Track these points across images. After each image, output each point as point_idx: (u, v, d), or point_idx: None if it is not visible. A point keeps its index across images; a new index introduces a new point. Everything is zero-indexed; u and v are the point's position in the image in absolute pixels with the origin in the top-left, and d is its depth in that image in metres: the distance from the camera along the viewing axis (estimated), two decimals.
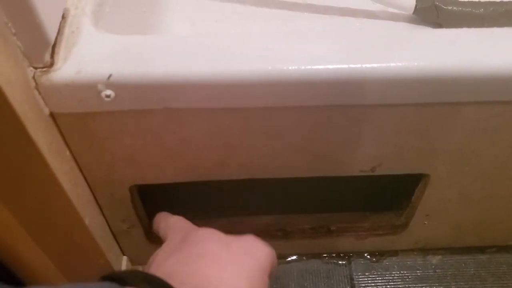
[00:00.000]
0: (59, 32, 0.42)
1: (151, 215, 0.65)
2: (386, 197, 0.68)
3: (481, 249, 0.72)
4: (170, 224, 0.40)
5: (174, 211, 0.68)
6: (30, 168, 0.38)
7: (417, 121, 0.48)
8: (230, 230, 0.68)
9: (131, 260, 0.70)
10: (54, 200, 0.42)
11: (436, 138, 0.50)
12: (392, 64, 0.42)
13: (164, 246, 0.37)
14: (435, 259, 0.72)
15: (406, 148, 0.51)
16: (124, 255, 0.68)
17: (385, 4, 0.62)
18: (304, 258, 0.71)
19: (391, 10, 0.63)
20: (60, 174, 0.42)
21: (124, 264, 0.68)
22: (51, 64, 0.40)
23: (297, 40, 0.44)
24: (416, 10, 0.61)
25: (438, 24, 0.62)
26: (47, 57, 0.40)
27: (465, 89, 0.44)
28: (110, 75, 0.40)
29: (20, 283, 0.44)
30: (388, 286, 0.69)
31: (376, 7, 0.62)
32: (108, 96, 0.41)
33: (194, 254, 0.34)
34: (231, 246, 0.34)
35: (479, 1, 0.61)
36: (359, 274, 0.70)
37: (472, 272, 0.70)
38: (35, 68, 0.40)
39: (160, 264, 0.34)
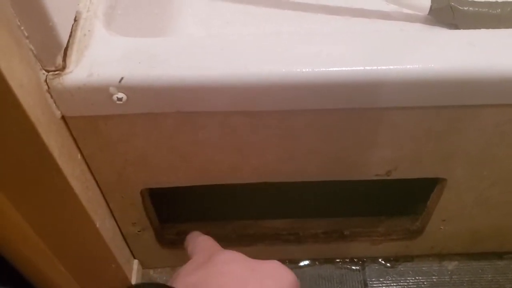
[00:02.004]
0: (71, 35, 0.42)
1: (162, 219, 0.65)
2: (401, 201, 0.67)
3: (499, 255, 0.70)
4: (197, 242, 0.40)
5: (186, 214, 0.68)
6: (41, 171, 0.38)
7: (434, 124, 0.47)
8: (242, 233, 0.68)
9: (142, 264, 0.70)
10: (65, 203, 0.42)
11: (454, 141, 0.49)
12: (408, 66, 0.41)
13: (188, 263, 0.37)
14: (451, 265, 0.70)
15: (423, 151, 0.50)
16: (135, 258, 0.68)
17: (400, 5, 0.61)
18: (317, 263, 0.70)
19: (405, 11, 0.62)
20: (71, 178, 0.42)
21: (135, 267, 0.67)
22: (63, 67, 0.40)
23: (311, 42, 0.43)
24: (431, 11, 0.60)
25: (453, 25, 0.61)
26: (59, 60, 0.40)
27: (484, 91, 0.43)
28: (121, 78, 0.40)
29: (30, 285, 0.44)
30: None
31: (390, 8, 0.62)
32: (120, 99, 0.41)
33: (218, 272, 0.33)
34: (256, 270, 0.34)
35: (496, 2, 0.60)
36: (373, 279, 0.69)
37: (489, 278, 0.69)
38: (47, 71, 0.40)
39: (182, 278, 0.34)
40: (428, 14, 0.61)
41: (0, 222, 0.36)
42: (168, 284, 0.34)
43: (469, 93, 0.43)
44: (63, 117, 0.42)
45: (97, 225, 0.48)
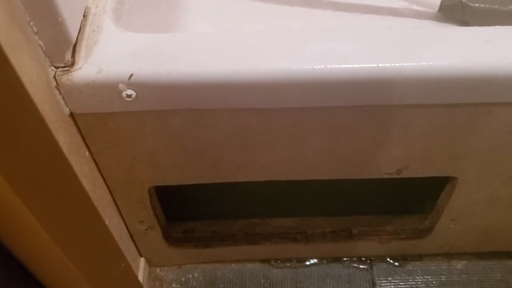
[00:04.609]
0: (80, 30, 0.41)
1: (169, 217, 0.65)
2: (410, 200, 0.67)
3: (509, 254, 0.70)
4: None
5: (193, 213, 0.68)
6: (50, 169, 0.38)
7: (446, 122, 0.46)
8: (250, 232, 0.68)
9: (149, 262, 0.69)
10: (74, 201, 0.42)
11: (466, 140, 0.48)
12: (422, 63, 0.40)
13: None
14: (460, 264, 0.70)
15: (434, 150, 0.50)
16: (141, 256, 0.68)
17: (410, 1, 0.60)
18: (324, 262, 0.70)
19: (415, 7, 0.61)
20: (80, 175, 0.41)
21: (141, 266, 0.67)
22: (72, 64, 0.40)
23: (323, 39, 0.43)
24: (442, 7, 0.60)
25: (464, 22, 0.60)
26: (68, 56, 0.39)
27: (498, 89, 0.42)
28: (131, 75, 0.40)
29: (40, 285, 0.44)
30: None
31: (400, 4, 0.61)
32: (129, 96, 0.41)
33: None
34: None
35: None
36: (382, 278, 0.68)
37: (498, 278, 0.68)
38: (56, 67, 0.39)
39: None
40: (438, 11, 0.60)
41: (9, 219, 0.36)
42: None
43: (483, 91, 0.43)
44: (71, 114, 0.42)
45: (106, 223, 0.47)
